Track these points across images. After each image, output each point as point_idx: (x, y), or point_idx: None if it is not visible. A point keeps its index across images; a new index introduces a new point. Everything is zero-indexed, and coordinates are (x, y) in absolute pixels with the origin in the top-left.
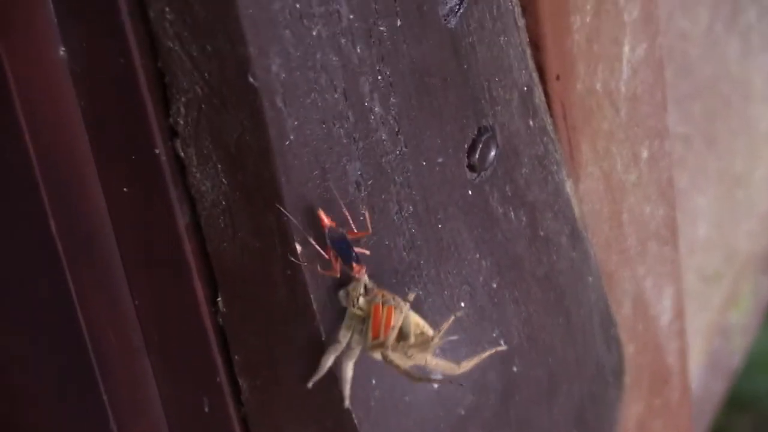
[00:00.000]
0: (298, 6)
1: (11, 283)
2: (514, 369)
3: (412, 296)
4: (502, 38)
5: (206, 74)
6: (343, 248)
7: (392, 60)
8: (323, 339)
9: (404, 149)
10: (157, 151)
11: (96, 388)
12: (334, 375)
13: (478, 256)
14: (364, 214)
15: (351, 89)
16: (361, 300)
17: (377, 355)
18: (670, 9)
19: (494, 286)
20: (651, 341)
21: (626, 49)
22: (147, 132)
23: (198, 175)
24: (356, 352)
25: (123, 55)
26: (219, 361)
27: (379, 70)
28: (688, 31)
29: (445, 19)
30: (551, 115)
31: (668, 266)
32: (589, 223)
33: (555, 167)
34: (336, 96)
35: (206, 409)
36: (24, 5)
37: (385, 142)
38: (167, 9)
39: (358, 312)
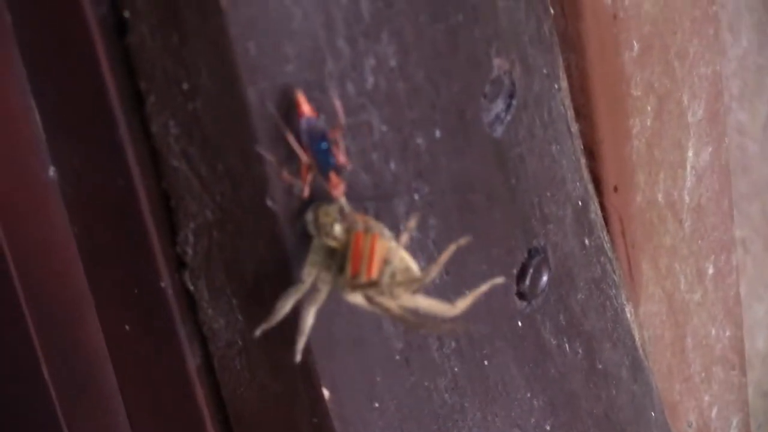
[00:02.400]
0: None
1: None
2: None
3: (413, 222)
4: (554, 147)
5: (218, 197)
6: (321, 150)
7: (430, 176)
8: None
9: (445, 277)
10: (162, 285)
11: None
12: None
13: (529, 395)
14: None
15: (383, 211)
16: (337, 227)
17: (355, 297)
18: (727, 102)
19: (547, 428)
20: None
21: (690, 153)
22: (151, 263)
23: (210, 311)
24: (322, 294)
25: (122, 175)
26: None
27: (415, 188)
28: (746, 125)
29: (490, 128)
30: (608, 232)
31: (735, 392)
32: (650, 349)
33: (613, 291)
34: None
35: None
36: (6, 120)
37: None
38: (172, 123)
39: (331, 243)
